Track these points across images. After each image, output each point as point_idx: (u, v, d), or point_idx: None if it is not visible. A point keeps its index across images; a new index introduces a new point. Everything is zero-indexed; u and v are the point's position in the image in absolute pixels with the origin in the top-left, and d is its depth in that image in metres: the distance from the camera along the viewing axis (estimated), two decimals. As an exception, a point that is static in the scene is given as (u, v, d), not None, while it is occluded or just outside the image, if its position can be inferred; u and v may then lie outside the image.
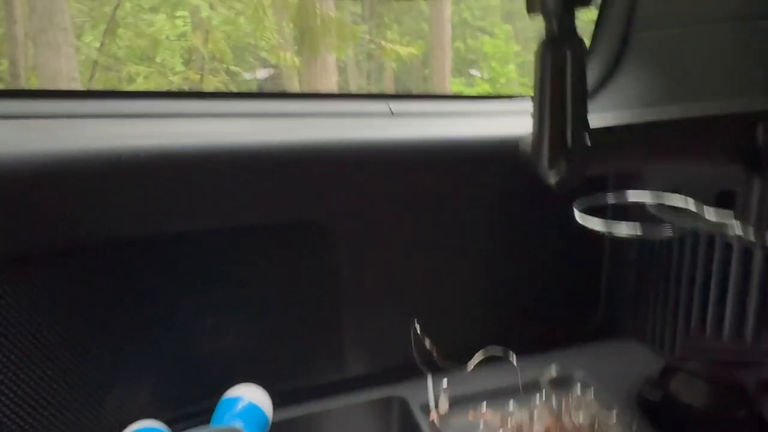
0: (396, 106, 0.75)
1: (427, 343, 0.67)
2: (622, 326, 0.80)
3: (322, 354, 0.72)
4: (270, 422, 0.59)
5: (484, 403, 0.66)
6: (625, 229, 0.55)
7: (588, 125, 0.44)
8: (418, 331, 0.66)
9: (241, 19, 5.81)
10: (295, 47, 5.30)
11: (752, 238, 0.49)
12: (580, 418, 0.62)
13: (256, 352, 0.69)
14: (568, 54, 0.42)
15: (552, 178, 0.44)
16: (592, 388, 0.68)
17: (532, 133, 0.45)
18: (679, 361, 0.59)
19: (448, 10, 5.94)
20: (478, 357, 0.69)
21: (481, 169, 0.73)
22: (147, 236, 0.60)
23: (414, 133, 0.71)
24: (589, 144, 0.43)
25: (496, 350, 0.69)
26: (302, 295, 0.69)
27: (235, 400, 0.58)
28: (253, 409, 0.57)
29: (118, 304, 0.61)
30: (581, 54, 0.42)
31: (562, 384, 0.68)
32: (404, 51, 5.80)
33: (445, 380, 0.69)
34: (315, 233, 0.68)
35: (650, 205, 0.61)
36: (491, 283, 0.77)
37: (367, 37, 6.70)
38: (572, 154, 0.43)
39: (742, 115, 0.47)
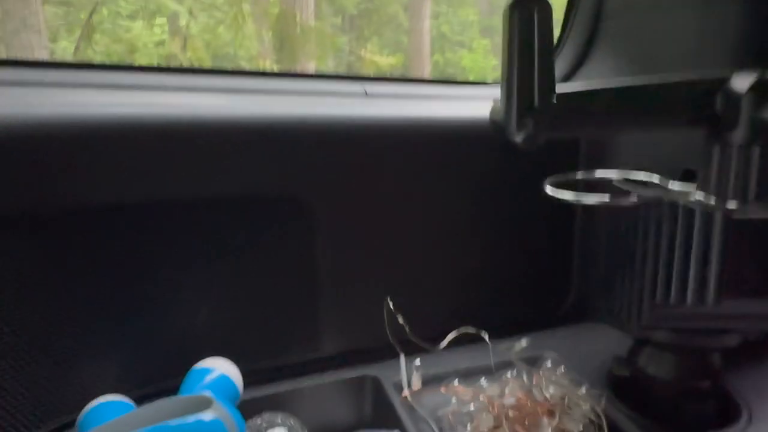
0: (371, 87, 0.76)
1: (401, 322, 0.67)
2: (594, 308, 0.81)
3: (298, 332, 0.71)
4: (240, 396, 0.58)
5: (456, 380, 0.66)
6: (593, 198, 0.56)
7: (554, 85, 0.45)
8: (392, 312, 0.66)
9: (221, 28, 5.81)
10: (275, 56, 5.31)
11: (713, 203, 0.50)
12: (551, 392, 0.62)
13: (230, 328, 0.68)
14: (536, 13, 0.43)
15: (518, 137, 0.45)
16: (562, 366, 0.68)
17: (501, 94, 0.46)
18: (644, 331, 0.60)
19: (426, 23, 6.03)
20: (451, 336, 0.69)
21: (456, 150, 0.74)
22: (116, 205, 0.59)
23: (388, 112, 0.72)
24: (554, 102, 0.44)
25: (469, 330, 0.70)
26: (278, 272, 0.69)
27: (205, 371, 0.56)
28: (224, 380, 0.56)
29: (86, 276, 0.60)
30: (548, 13, 0.43)
31: (533, 362, 0.68)
32: (384, 62, 5.86)
33: (418, 360, 0.69)
34: (293, 209, 0.68)
35: (617, 180, 0.62)
36: (466, 265, 0.77)
37: (348, 48, 6.75)
38: (539, 113, 0.44)
39: (702, 82, 0.49)
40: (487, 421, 0.58)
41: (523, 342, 0.63)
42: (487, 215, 0.77)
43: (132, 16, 5.77)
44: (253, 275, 0.67)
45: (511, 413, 0.59)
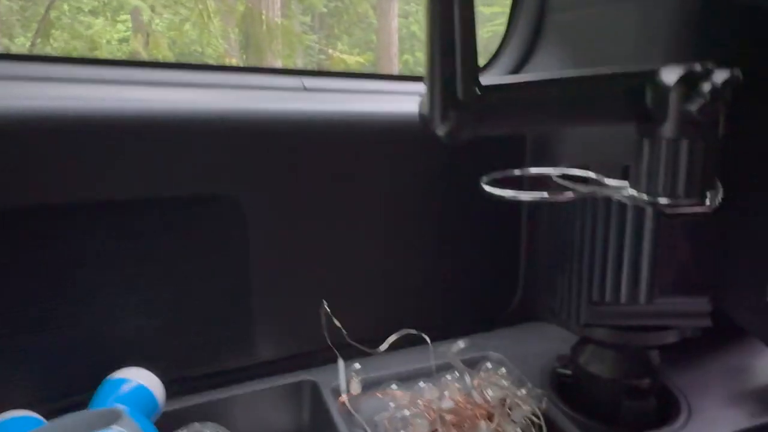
0: (309, 82, 0.73)
1: (339, 325, 0.64)
2: (539, 309, 0.80)
3: (231, 337, 0.68)
4: (160, 409, 0.55)
5: (395, 384, 0.64)
6: (528, 195, 0.54)
7: (478, 76, 0.43)
8: (328, 313, 0.64)
9: (187, 26, 5.68)
10: (242, 54, 5.22)
11: (644, 198, 0.49)
12: (491, 394, 0.60)
13: (156, 334, 0.64)
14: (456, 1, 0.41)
15: (442, 130, 0.43)
16: (504, 368, 0.67)
17: (425, 86, 0.44)
18: (583, 329, 0.59)
19: (395, 22, 6.02)
20: (391, 339, 0.67)
21: (397, 148, 0.71)
22: (31, 206, 0.55)
23: (327, 107, 0.69)
24: (479, 93, 0.42)
25: (410, 332, 0.67)
26: (209, 274, 0.65)
27: (119, 382, 0.53)
28: (140, 391, 0.53)
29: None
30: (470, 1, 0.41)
31: (474, 364, 0.66)
32: (352, 60, 5.83)
33: (357, 364, 0.67)
34: (224, 208, 0.64)
35: (555, 177, 0.61)
36: (409, 265, 0.75)
37: (317, 46, 6.69)
38: (462, 105, 0.42)
39: (631, 74, 0.48)
40: (422, 426, 0.55)
41: (461, 343, 0.61)
42: (429, 214, 0.75)
43: (94, 12, 5.59)
44: (181, 278, 0.64)
45: (448, 417, 0.58)
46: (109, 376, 0.54)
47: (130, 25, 5.54)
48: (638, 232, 0.50)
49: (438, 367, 0.66)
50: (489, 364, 0.64)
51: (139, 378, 0.54)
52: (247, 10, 4.81)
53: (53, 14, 5.09)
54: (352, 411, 0.62)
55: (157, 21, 5.47)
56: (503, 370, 0.65)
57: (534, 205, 0.78)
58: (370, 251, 0.72)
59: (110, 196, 0.59)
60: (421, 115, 0.47)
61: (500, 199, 0.56)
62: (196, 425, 0.59)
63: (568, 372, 0.66)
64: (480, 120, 0.43)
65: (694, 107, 0.45)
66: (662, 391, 0.64)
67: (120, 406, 0.50)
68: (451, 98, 0.42)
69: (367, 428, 0.59)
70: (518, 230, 0.80)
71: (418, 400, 0.60)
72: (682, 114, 0.46)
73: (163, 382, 0.57)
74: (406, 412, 0.57)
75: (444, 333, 0.71)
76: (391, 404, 0.61)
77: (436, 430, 0.56)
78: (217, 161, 0.63)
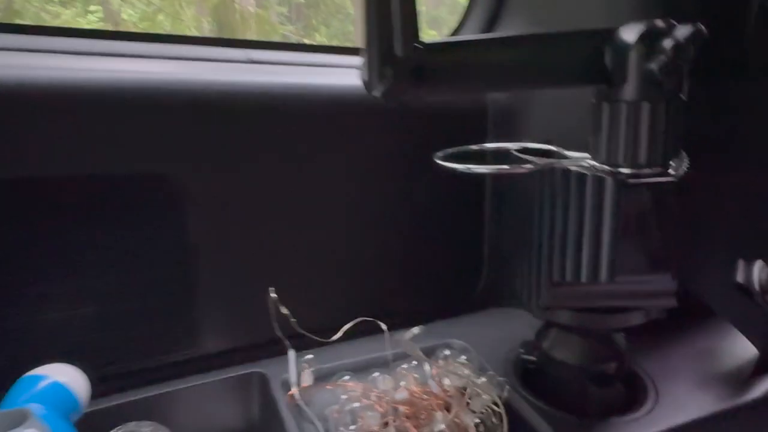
0: (255, 54, 0.68)
1: (285, 312, 0.59)
2: (506, 293, 0.76)
3: (172, 329, 0.63)
4: (82, 408, 0.50)
5: (348, 374, 0.60)
6: (484, 168, 0.50)
7: (417, 32, 0.39)
8: (275, 301, 0.59)
9: (161, 16, 5.54)
10: (216, 44, 5.11)
11: (605, 167, 0.46)
12: (450, 383, 0.57)
13: (88, 327, 0.59)
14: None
15: (379, 90, 0.39)
16: (465, 355, 0.63)
17: (362, 45, 0.40)
18: (544, 312, 0.55)
19: (373, 12, 5.95)
20: (345, 328, 0.63)
21: (350, 123, 0.67)
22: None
23: (275, 79, 0.64)
24: (419, 48, 0.38)
25: (366, 320, 0.63)
26: (146, 262, 0.60)
27: (35, 379, 0.48)
28: (56, 389, 0.47)
29: None
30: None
31: (435, 351, 0.63)
32: (329, 50, 5.75)
33: (310, 354, 0.63)
34: (162, 189, 0.59)
35: (514, 151, 0.57)
36: (364, 251, 0.71)
37: (294, 37, 6.59)
38: (399, 61, 0.38)
39: (590, 33, 0.44)
40: (372, 419, 0.52)
41: (416, 330, 0.57)
42: (387, 195, 0.71)
43: (63, 2, 5.42)
44: (115, 266, 0.59)
45: (402, 409, 0.54)
46: (27, 373, 0.49)
47: (102, 15, 5.38)
48: (598, 205, 0.46)
49: (396, 356, 0.62)
50: (447, 352, 0.61)
51: (59, 374, 0.48)
52: (221, 0, 4.70)
53: (18, 3, 4.92)
54: (302, 404, 0.57)
55: (129, 11, 5.32)
56: (463, 357, 0.61)
57: (498, 183, 0.74)
58: (323, 235, 0.68)
59: (33, 173, 0.53)
60: (362, 81, 0.43)
61: (453, 172, 0.52)
62: (131, 425, 0.54)
63: (533, 358, 0.63)
64: (421, 80, 0.39)
65: (655, 66, 0.41)
66: (629, 376, 0.61)
67: (34, 406, 0.45)
68: (388, 54, 0.38)
69: (317, 422, 0.55)
70: (482, 211, 0.76)
71: (372, 392, 0.56)
72: (642, 74, 0.42)
73: (94, 378, 0.52)
74: (356, 405, 0.53)
75: (405, 321, 0.67)
76: (343, 396, 0.57)
77: (387, 423, 0.52)
78: (155, 137, 0.57)
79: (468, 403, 0.56)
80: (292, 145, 0.64)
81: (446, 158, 0.55)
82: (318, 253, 0.68)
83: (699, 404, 0.59)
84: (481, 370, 0.62)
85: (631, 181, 0.44)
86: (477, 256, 0.77)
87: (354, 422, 0.52)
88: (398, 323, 0.65)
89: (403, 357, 0.62)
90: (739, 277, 0.60)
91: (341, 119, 0.66)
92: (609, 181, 0.45)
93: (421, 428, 0.52)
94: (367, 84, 0.40)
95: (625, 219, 0.45)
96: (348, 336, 0.64)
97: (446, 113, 0.71)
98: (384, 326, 0.62)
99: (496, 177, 0.70)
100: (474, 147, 0.56)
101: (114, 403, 0.57)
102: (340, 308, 0.65)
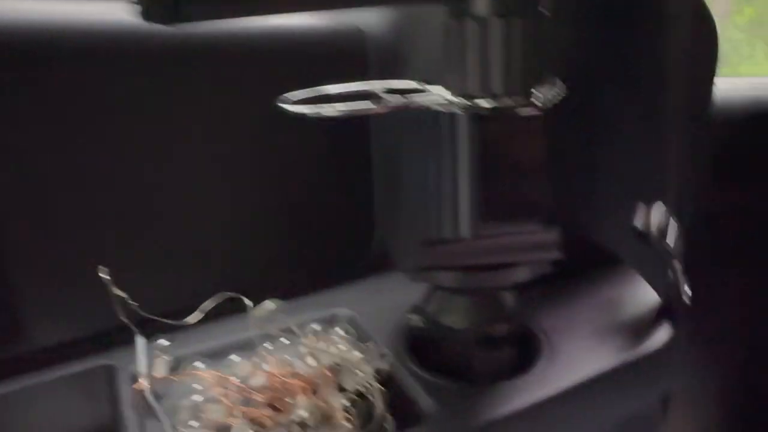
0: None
1: (123, 296, 0.50)
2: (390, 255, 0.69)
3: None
4: None
5: (202, 361, 0.52)
6: (333, 110, 0.42)
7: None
8: (109, 282, 0.50)
9: None
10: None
11: (458, 100, 0.38)
12: (319, 361, 0.50)
13: None
14: None
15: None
16: (341, 327, 0.56)
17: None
18: (419, 274, 0.49)
19: None
20: (205, 307, 0.55)
21: (203, 65, 0.57)
22: None
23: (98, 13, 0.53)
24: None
25: (228, 296, 0.55)
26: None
27: None
28: None
29: None
30: None
31: (307, 327, 0.55)
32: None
33: (164, 340, 0.54)
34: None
35: (381, 92, 0.49)
36: (234, 215, 0.62)
37: None
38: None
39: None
40: (215, 412, 0.44)
41: (269, 304, 0.49)
42: (253, 149, 0.61)
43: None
44: None
45: (259, 397, 0.47)
46: None
47: None
48: (453, 145, 0.39)
49: (264, 336, 0.55)
50: (316, 326, 0.54)
51: None
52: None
53: None
54: (150, 398, 0.50)
55: None
56: (338, 329, 0.54)
57: (385, 134, 0.66)
58: (178, 198, 0.59)
59: None
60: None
61: (300, 116, 0.44)
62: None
63: (421, 325, 0.57)
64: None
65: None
66: (523, 337, 0.56)
67: None
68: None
69: (163, 418, 0.47)
70: (370, 165, 0.68)
71: (229, 379, 0.49)
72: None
73: None
74: (200, 398, 0.46)
75: (287, 294, 0.59)
76: (196, 387, 0.49)
77: (233, 414, 0.44)
78: None
79: (339, 383, 0.49)
80: (134, 93, 0.54)
81: (297, 102, 0.46)
82: (172, 222, 0.59)
83: (595, 359, 0.55)
84: (362, 342, 0.55)
85: (484, 113, 0.37)
86: (366, 216, 0.69)
87: (196, 416, 0.45)
88: (280, 297, 0.58)
89: (272, 337, 0.54)
90: (637, 221, 0.55)
91: (194, 60, 0.55)
92: (461, 116, 0.38)
93: (279, 417, 0.45)
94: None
95: (482, 160, 0.38)
96: (217, 317, 0.56)
97: (321, 53, 0.62)
98: (249, 302, 0.54)
99: (381, 126, 0.62)
100: (330, 87, 0.48)
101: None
102: (205, 285, 0.57)
